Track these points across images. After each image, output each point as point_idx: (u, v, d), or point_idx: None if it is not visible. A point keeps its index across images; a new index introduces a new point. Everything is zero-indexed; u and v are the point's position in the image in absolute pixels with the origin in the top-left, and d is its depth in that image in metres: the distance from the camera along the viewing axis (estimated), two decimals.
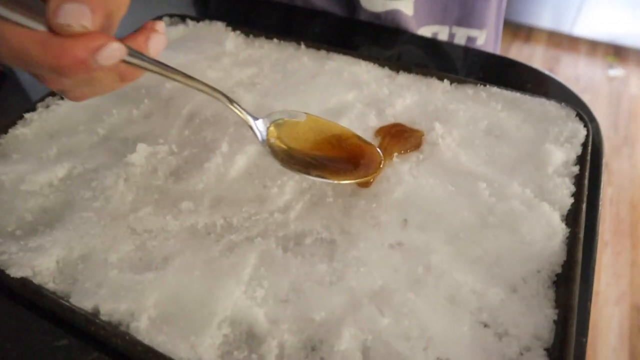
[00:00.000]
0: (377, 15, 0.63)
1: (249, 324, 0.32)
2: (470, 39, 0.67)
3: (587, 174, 0.38)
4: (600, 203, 0.39)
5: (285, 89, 0.49)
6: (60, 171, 0.42)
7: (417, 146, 0.43)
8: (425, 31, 0.66)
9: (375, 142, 0.43)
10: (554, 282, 0.33)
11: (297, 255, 0.36)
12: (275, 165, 0.42)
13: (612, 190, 1.60)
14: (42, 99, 0.48)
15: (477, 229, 0.36)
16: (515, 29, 1.97)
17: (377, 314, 0.32)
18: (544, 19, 1.89)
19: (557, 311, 0.31)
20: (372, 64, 0.51)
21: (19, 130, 0.45)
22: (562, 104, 0.44)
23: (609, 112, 1.79)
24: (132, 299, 0.33)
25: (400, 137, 0.43)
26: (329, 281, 0.34)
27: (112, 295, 0.33)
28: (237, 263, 0.35)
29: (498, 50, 0.74)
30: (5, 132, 0.45)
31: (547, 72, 0.51)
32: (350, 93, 0.48)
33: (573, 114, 0.43)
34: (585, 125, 0.42)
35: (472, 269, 0.34)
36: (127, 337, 0.31)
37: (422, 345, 0.30)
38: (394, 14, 0.62)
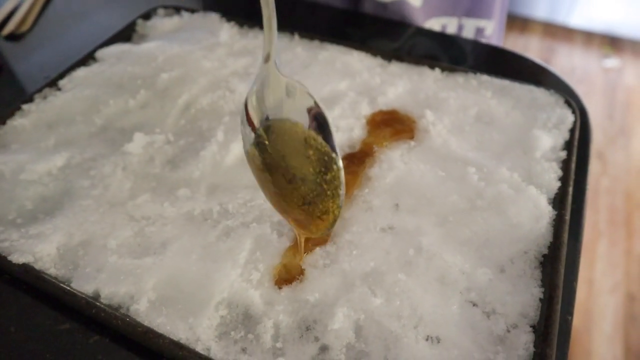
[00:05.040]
0: (383, 6, 0.62)
1: (245, 306, 0.33)
2: (479, 30, 0.66)
3: (574, 158, 0.39)
4: (587, 187, 0.40)
5: None
6: (59, 160, 0.42)
7: (408, 133, 0.43)
8: (434, 23, 0.65)
9: (366, 129, 0.44)
10: (541, 263, 0.34)
11: (292, 239, 0.36)
12: None
13: (608, 180, 1.62)
14: (39, 90, 0.49)
15: (467, 212, 0.37)
16: (511, 20, 1.97)
17: (370, 295, 0.33)
18: (539, 10, 1.89)
19: (542, 290, 0.32)
20: (364, 53, 0.52)
21: (17, 121, 0.46)
22: (551, 91, 0.45)
23: (604, 103, 1.80)
24: (131, 282, 0.34)
25: (392, 124, 0.44)
26: (322, 264, 0.35)
27: (112, 279, 0.34)
28: (234, 247, 0.36)
29: (502, 40, 0.74)
30: (4, 123, 0.46)
31: (538, 60, 0.52)
32: (343, 82, 0.49)
33: (561, 100, 0.44)
34: (574, 112, 0.43)
35: (462, 251, 0.35)
36: (128, 319, 0.32)
37: (413, 323, 0.31)
38: (400, 5, 0.61)
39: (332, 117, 0.45)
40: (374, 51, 0.52)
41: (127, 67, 0.51)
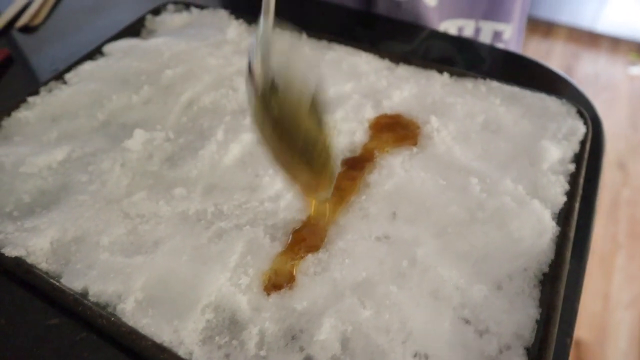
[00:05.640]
0: (397, 5, 0.60)
1: (232, 311, 0.32)
2: (497, 34, 0.64)
3: (583, 172, 0.38)
4: (597, 203, 0.38)
5: None
6: (60, 154, 0.43)
7: (411, 139, 0.42)
8: (450, 25, 0.63)
9: (368, 133, 0.43)
10: (540, 281, 0.33)
11: (284, 245, 0.36)
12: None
13: (629, 191, 1.56)
14: (45, 83, 0.49)
15: (466, 224, 0.36)
16: (534, 24, 1.92)
17: (359, 306, 0.32)
18: (564, 14, 1.83)
19: (540, 310, 0.31)
20: (372, 55, 0.51)
21: (22, 114, 0.46)
22: (563, 100, 0.43)
23: (628, 112, 1.74)
24: (120, 281, 0.33)
25: (395, 129, 0.43)
26: (313, 272, 0.34)
27: (101, 277, 0.34)
28: (225, 250, 0.35)
29: (521, 45, 0.72)
30: (9, 114, 0.46)
31: (554, 67, 0.50)
32: (348, 84, 0.48)
33: (574, 110, 0.42)
34: (585, 123, 0.41)
35: (458, 265, 0.34)
36: (113, 319, 0.31)
37: (402, 338, 0.30)
38: (414, 4, 0.59)
39: (334, 120, 0.44)
40: (382, 53, 0.51)
41: (133, 62, 0.51)
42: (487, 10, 0.63)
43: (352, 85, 0.48)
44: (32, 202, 0.39)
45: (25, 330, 0.33)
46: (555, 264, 0.33)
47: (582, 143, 0.39)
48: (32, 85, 0.49)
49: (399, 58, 0.50)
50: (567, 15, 1.86)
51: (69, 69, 0.51)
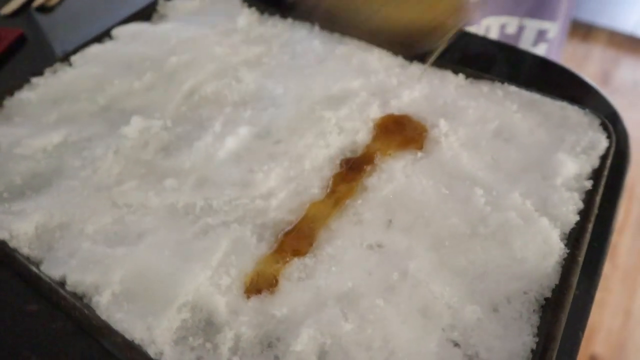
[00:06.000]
0: None
1: (209, 311, 0.31)
2: (541, 33, 0.61)
3: (600, 190, 0.34)
4: (614, 225, 0.35)
5: (290, 70, 0.47)
6: (56, 137, 0.42)
7: (417, 142, 0.40)
8: (492, 22, 0.60)
9: (372, 133, 0.41)
10: (541, 307, 0.30)
11: (270, 246, 0.34)
12: (266, 150, 0.41)
13: None
14: (51, 65, 0.48)
15: (465, 239, 0.33)
16: (573, 26, 1.83)
17: (341, 318, 0.30)
18: (605, 17, 1.74)
19: (537, 339, 0.28)
20: (385, 51, 0.48)
21: (25, 94, 0.46)
22: (586, 110, 0.40)
23: None
24: (99, 272, 0.33)
25: (401, 131, 0.40)
26: (297, 277, 0.32)
27: (81, 266, 0.33)
28: (209, 247, 0.34)
29: (563, 46, 0.69)
30: (12, 94, 0.46)
31: (581, 74, 0.46)
32: (357, 80, 0.45)
33: (597, 122, 0.39)
34: (609, 137, 0.37)
35: (453, 282, 0.31)
36: (86, 311, 0.30)
37: (383, 357, 0.28)
38: None
39: (337, 117, 0.42)
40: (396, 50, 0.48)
41: (139, 47, 0.50)
42: (532, 8, 0.60)
43: (360, 82, 0.45)
44: (23, 185, 0.39)
45: (3, 314, 0.32)
46: (560, 290, 0.30)
47: (603, 158, 0.36)
48: (48, 63, 0.49)
49: (412, 56, 0.47)
50: (608, 19, 1.76)
51: (75, 51, 0.50)
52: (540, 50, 0.65)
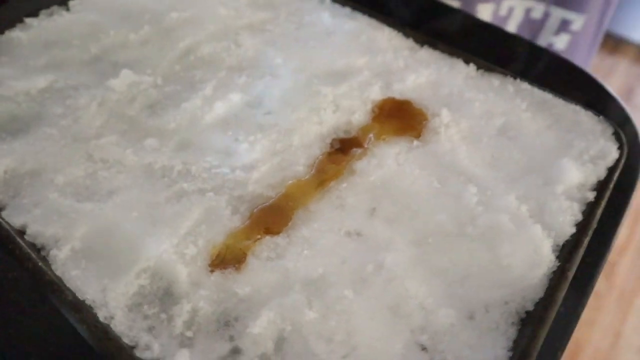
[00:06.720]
0: None
1: (169, 281, 0.29)
2: (564, 22, 0.59)
3: (603, 203, 0.32)
4: (613, 243, 0.32)
5: (294, 41, 0.45)
6: (42, 82, 0.40)
7: (415, 130, 0.37)
8: (517, 5, 0.59)
9: (370, 115, 0.38)
10: (521, 320, 0.28)
11: (244, 220, 0.32)
12: (255, 120, 0.39)
13: None
14: (47, 7, 0.46)
15: (451, 238, 0.31)
16: (602, 37, 1.76)
17: (305, 305, 0.28)
18: (637, 32, 1.67)
19: (511, 354, 0.26)
20: (396, 31, 0.45)
21: (15, 34, 0.44)
22: (600, 117, 0.37)
23: None
24: (62, 225, 0.31)
25: (399, 116, 0.38)
26: (266, 256, 0.30)
27: (44, 217, 0.31)
28: (180, 213, 0.32)
29: (597, 44, 0.66)
30: (2, 33, 0.44)
31: (600, 80, 0.43)
32: (362, 59, 0.43)
33: (610, 130, 0.36)
34: (620, 147, 0.35)
35: (430, 281, 0.29)
36: (40, 263, 0.29)
37: (343, 352, 0.26)
38: None
39: (335, 94, 0.39)
40: (407, 31, 0.45)
41: None
42: None
43: (365, 60, 0.43)
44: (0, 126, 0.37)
45: None
46: (543, 304, 0.28)
47: (611, 170, 0.33)
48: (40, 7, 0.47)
49: (424, 39, 0.44)
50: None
51: None
52: (562, 41, 0.63)
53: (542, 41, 0.64)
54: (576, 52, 0.64)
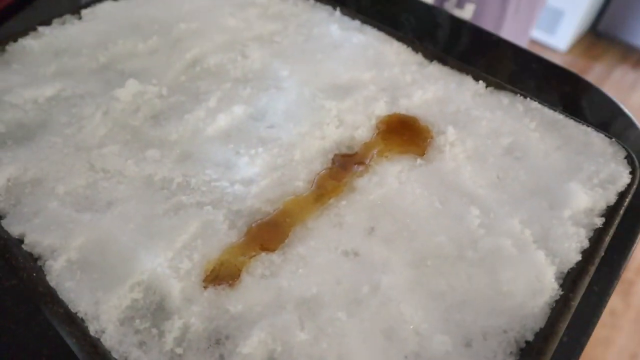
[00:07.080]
0: None
1: (162, 295, 0.29)
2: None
3: (612, 230, 0.30)
4: (621, 272, 0.31)
5: (301, 53, 0.45)
6: (49, 90, 0.41)
7: (419, 147, 0.36)
8: None
9: (374, 132, 0.38)
10: (521, 350, 0.27)
11: (240, 235, 0.32)
12: (258, 133, 0.38)
13: None
14: (60, 15, 0.47)
15: (450, 261, 0.30)
16: (626, 51, 1.72)
17: (297, 325, 0.27)
18: None
19: None
20: (405, 46, 0.45)
21: (28, 42, 0.45)
22: (612, 139, 0.35)
23: None
24: (59, 235, 0.31)
25: (404, 133, 0.37)
26: (260, 273, 0.30)
27: (42, 227, 0.32)
28: (177, 227, 0.32)
29: (530, 23, 0.61)
30: (15, 40, 0.45)
31: (617, 100, 0.42)
32: (368, 73, 0.42)
33: (622, 154, 0.35)
34: (633, 172, 0.33)
35: (427, 306, 0.28)
36: (34, 274, 0.29)
37: None
38: None
39: (340, 108, 0.39)
40: (416, 46, 0.45)
41: (151, 9, 0.48)
42: None
43: (372, 74, 0.42)
44: (6, 133, 0.38)
45: None
46: (544, 334, 0.26)
47: (621, 196, 0.32)
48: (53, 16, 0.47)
49: (434, 55, 0.44)
50: None
51: (88, 4, 0.49)
52: (467, 13, 0.59)
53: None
54: (481, 23, 0.59)
